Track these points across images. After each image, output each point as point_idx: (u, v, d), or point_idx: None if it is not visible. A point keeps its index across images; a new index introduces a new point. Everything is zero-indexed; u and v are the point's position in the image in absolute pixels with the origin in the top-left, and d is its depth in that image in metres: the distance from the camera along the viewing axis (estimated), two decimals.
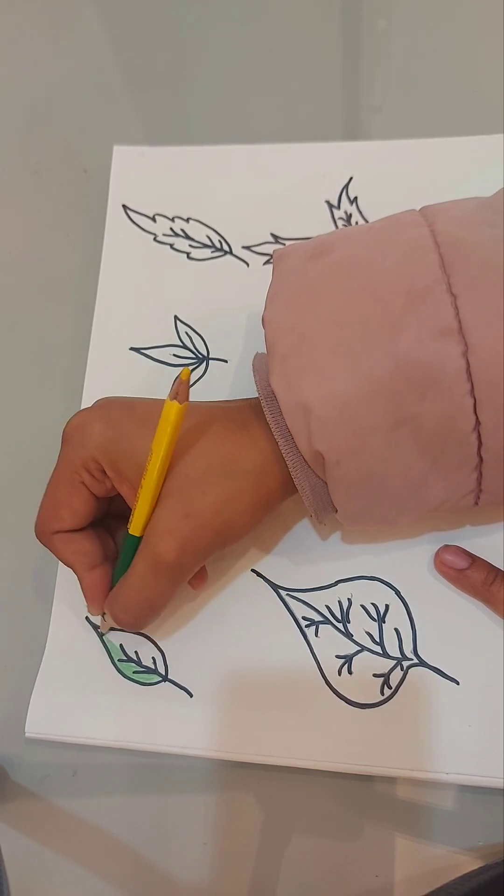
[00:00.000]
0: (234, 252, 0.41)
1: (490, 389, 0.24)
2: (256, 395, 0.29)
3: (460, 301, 0.24)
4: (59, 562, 0.33)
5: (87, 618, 0.33)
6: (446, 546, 0.32)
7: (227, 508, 0.27)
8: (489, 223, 0.25)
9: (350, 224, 0.41)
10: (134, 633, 0.33)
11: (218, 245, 0.41)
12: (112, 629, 0.33)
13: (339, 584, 0.33)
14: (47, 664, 0.33)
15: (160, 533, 0.27)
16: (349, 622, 0.32)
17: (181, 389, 0.25)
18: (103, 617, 0.32)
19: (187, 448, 0.27)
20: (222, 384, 0.37)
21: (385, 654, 0.32)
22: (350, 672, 0.31)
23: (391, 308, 0.25)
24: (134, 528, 0.28)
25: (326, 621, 0.32)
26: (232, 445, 0.28)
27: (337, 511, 0.29)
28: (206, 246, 0.41)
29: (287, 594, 0.33)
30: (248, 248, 0.41)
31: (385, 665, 0.31)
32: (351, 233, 0.29)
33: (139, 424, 0.28)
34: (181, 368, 0.38)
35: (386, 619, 0.32)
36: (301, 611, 0.33)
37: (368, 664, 0.31)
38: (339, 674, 0.31)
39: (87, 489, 0.29)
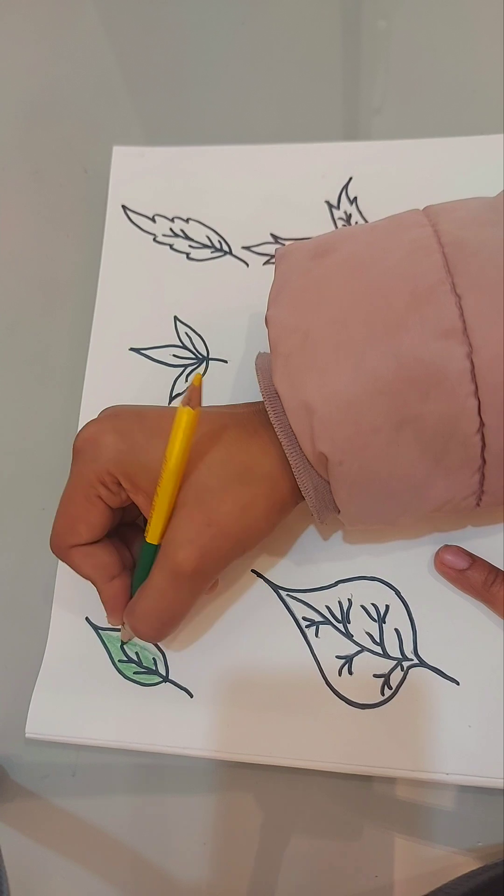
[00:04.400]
0: (233, 252, 0.41)
1: (494, 391, 0.23)
2: (259, 396, 0.29)
3: (465, 302, 0.24)
4: (60, 561, 0.33)
5: (87, 618, 0.33)
6: (446, 546, 0.32)
7: (246, 515, 0.27)
8: (492, 223, 0.25)
9: (350, 224, 0.41)
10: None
11: (218, 245, 0.41)
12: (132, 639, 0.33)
13: (340, 585, 0.33)
14: (48, 664, 0.33)
15: (179, 542, 0.26)
16: (349, 622, 0.32)
17: (194, 396, 0.25)
18: (123, 626, 0.31)
19: (202, 457, 0.27)
20: (222, 384, 0.37)
21: (385, 655, 0.32)
22: (350, 672, 0.31)
23: (395, 308, 0.25)
24: (151, 536, 0.27)
25: (327, 622, 0.32)
26: (246, 453, 0.28)
27: (339, 511, 0.29)
28: (205, 246, 0.41)
29: (287, 594, 0.33)
30: (247, 248, 0.41)
31: (385, 665, 0.31)
32: (354, 232, 0.29)
33: (152, 434, 0.27)
34: (181, 369, 0.38)
35: (386, 620, 0.32)
36: (301, 611, 0.33)
37: (369, 664, 0.31)
38: (340, 674, 0.31)
39: (102, 502, 0.28)
